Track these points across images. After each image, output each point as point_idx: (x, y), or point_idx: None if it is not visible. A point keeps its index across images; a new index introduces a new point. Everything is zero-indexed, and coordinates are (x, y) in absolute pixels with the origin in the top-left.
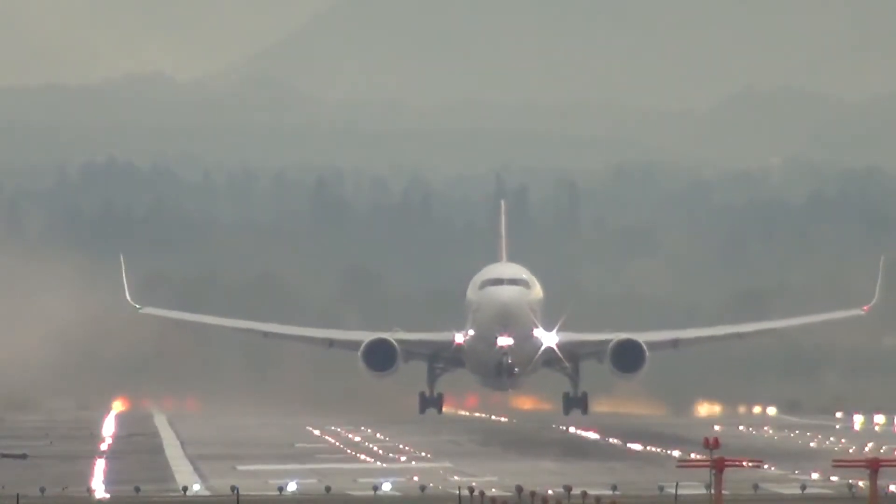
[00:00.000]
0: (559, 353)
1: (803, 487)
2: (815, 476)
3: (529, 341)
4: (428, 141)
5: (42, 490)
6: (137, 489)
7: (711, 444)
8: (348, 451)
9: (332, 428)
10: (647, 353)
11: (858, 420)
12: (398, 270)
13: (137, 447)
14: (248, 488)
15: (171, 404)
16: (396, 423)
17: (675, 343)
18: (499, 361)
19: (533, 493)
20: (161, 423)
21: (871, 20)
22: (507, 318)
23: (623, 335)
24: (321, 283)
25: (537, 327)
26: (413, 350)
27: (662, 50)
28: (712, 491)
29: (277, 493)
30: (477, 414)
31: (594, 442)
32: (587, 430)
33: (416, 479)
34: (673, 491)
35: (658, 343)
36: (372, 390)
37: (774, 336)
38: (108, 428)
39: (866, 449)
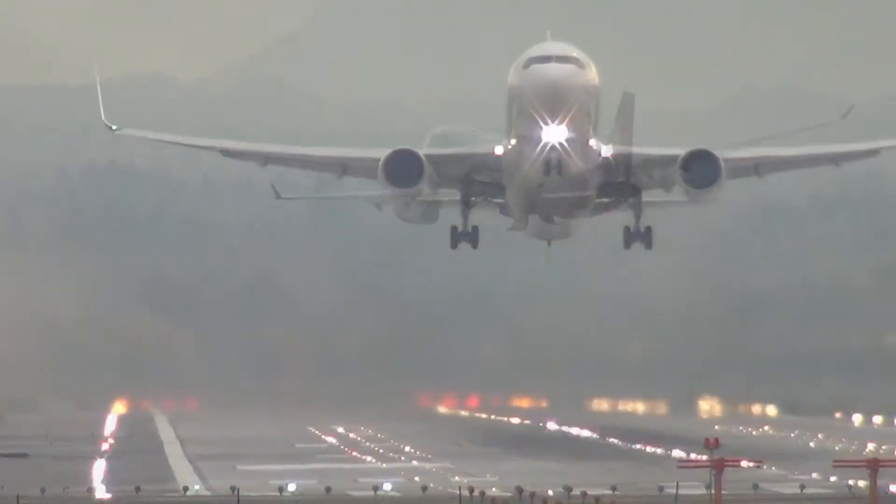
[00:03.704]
0: (619, 171)
1: (803, 487)
2: (815, 476)
3: (583, 147)
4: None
5: (42, 490)
6: (138, 489)
7: (711, 444)
8: (348, 451)
9: (333, 428)
10: (723, 166)
11: (858, 419)
12: (399, 271)
13: (137, 447)
14: (248, 488)
15: (172, 405)
16: (397, 422)
17: (756, 168)
18: (546, 161)
19: (533, 494)
20: (162, 423)
21: (872, 20)
22: (556, 101)
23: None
24: (321, 284)
25: (592, 134)
26: (443, 170)
27: (662, 50)
28: (712, 491)
29: (277, 493)
30: (478, 414)
31: (594, 442)
32: (586, 429)
33: (416, 479)
34: (673, 491)
35: (737, 166)
36: (372, 390)
37: (875, 155)
38: (109, 428)
39: (867, 450)
